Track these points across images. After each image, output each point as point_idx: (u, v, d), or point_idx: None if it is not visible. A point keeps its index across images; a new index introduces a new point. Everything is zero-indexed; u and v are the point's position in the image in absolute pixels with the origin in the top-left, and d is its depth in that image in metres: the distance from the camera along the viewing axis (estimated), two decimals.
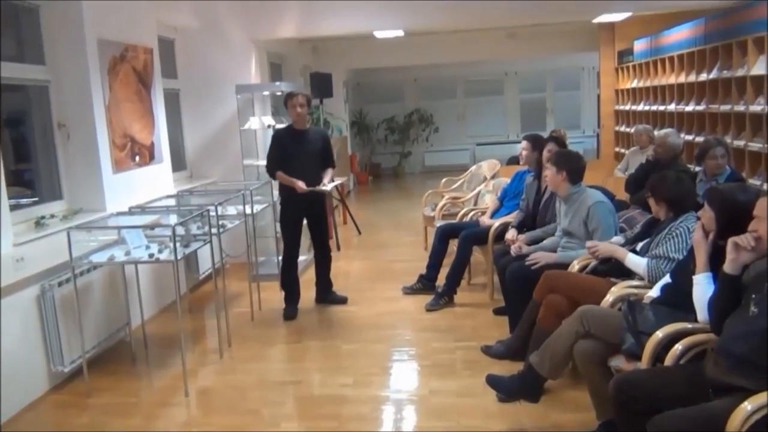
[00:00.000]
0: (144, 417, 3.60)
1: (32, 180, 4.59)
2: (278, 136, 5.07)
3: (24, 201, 4.34)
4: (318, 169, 5.05)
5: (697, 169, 4.93)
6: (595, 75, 12.28)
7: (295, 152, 4.96)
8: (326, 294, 5.36)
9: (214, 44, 6.68)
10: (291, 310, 5.12)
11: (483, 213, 5.64)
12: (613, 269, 3.54)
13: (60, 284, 3.95)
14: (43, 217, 4.24)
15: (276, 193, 5.60)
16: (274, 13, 6.75)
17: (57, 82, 4.51)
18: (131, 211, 4.65)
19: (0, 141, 3.98)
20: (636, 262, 3.37)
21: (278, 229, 5.59)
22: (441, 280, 5.30)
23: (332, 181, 5.14)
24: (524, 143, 5.19)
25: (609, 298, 3.20)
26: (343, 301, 5.32)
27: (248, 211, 5.17)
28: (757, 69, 5.55)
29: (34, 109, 4.54)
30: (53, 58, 4.48)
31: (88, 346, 4.05)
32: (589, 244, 3.67)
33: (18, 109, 4.52)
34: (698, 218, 2.87)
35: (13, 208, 3.99)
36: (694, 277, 2.69)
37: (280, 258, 5.29)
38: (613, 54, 10.23)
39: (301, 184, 4.87)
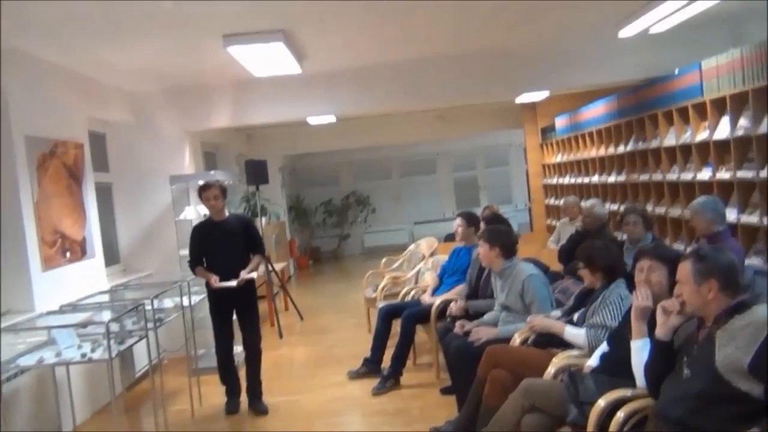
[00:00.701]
0: None
1: None
2: (196, 230, 4.93)
3: None
4: (241, 259, 4.84)
5: (624, 237, 5.13)
6: (522, 151, 12.80)
7: (215, 244, 4.81)
8: (253, 401, 4.89)
9: (147, 136, 6.66)
10: (232, 404, 4.92)
11: (424, 291, 5.68)
12: (553, 340, 3.59)
13: None
14: None
15: None
16: (206, 105, 6.82)
17: None
18: (62, 310, 4.47)
19: None
20: (574, 333, 3.44)
21: None
22: (386, 361, 5.25)
23: (253, 270, 4.88)
24: (459, 220, 5.33)
25: (551, 369, 3.24)
26: (262, 413, 4.81)
27: (186, 303, 5.05)
28: (669, 140, 5.91)
29: None
30: None
31: None
32: (528, 320, 3.74)
33: None
34: (631, 284, 2.98)
35: None
36: (631, 342, 2.76)
37: None
38: (537, 131, 10.71)
39: (213, 280, 4.73)
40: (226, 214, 4.97)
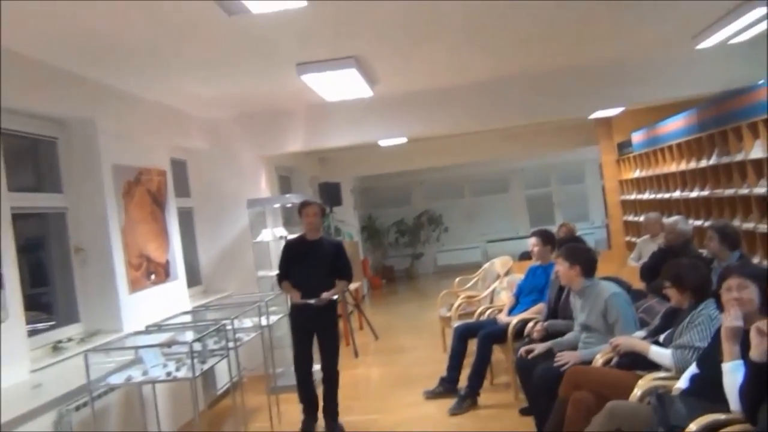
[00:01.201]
0: None
1: (49, 303, 4.61)
2: (288, 246, 5.02)
3: (41, 326, 4.35)
4: (326, 280, 4.82)
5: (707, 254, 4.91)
6: (597, 167, 12.49)
7: (304, 262, 4.85)
8: (329, 423, 4.85)
9: (225, 162, 6.88)
10: (309, 423, 4.89)
11: (500, 310, 5.58)
12: (638, 362, 3.45)
13: (77, 408, 3.87)
14: (60, 341, 4.23)
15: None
16: (280, 130, 6.99)
17: (74, 208, 4.63)
18: (148, 330, 4.63)
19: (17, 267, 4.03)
20: (660, 353, 3.30)
21: None
22: (463, 381, 5.17)
23: (336, 294, 4.87)
24: (534, 239, 5.23)
25: (637, 391, 3.11)
26: None
27: (264, 322, 5.15)
28: (756, 153, 5.64)
29: (51, 234, 4.63)
30: (70, 186, 4.62)
31: None
32: (611, 340, 3.61)
33: (36, 235, 4.62)
34: (720, 304, 2.84)
35: (31, 333, 4.00)
36: (723, 365, 2.63)
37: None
38: (613, 147, 10.44)
39: (295, 295, 4.77)
40: (321, 234, 5.01)
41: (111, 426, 4.16)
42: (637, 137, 9.31)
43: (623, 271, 5.94)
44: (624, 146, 10.01)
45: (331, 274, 4.90)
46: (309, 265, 4.84)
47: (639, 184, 9.39)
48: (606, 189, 10.83)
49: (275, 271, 5.71)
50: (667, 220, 5.50)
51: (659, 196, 8.41)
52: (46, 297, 4.64)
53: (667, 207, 8.09)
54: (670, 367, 3.21)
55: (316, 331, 4.91)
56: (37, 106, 4.17)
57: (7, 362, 3.51)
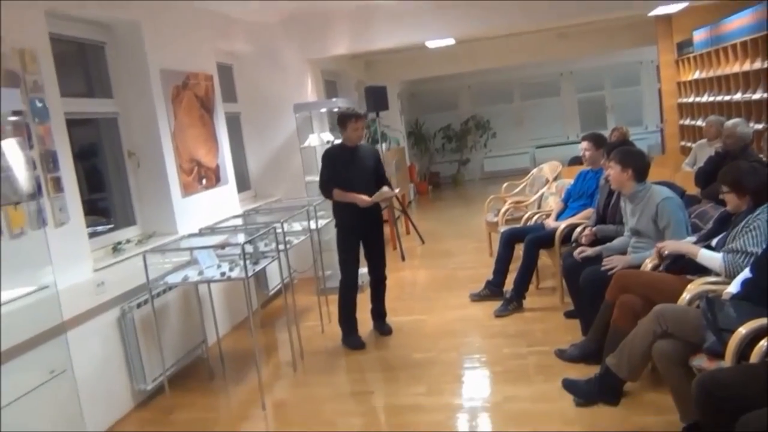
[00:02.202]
0: (224, 431, 3.68)
1: (107, 208, 4.77)
2: (332, 155, 4.81)
3: (101, 228, 4.53)
4: (372, 186, 4.79)
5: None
6: (654, 68, 11.95)
7: (350, 170, 4.75)
8: (379, 322, 5.04)
9: (271, 67, 6.83)
10: (356, 339, 4.81)
11: (547, 216, 5.54)
12: (687, 266, 3.41)
13: (138, 306, 4.09)
14: (119, 243, 4.41)
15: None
16: (326, 33, 6.86)
17: (125, 114, 4.70)
18: (201, 233, 4.78)
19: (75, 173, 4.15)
20: (710, 256, 3.25)
21: None
22: (508, 285, 5.23)
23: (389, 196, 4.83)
24: (585, 143, 5.09)
25: (686, 295, 3.09)
26: (386, 332, 4.96)
27: (312, 226, 5.24)
28: None
29: (104, 140, 4.73)
30: (120, 91, 4.67)
31: (168, 364, 4.17)
32: (657, 244, 3.55)
33: (90, 141, 4.72)
34: None
35: (92, 235, 4.17)
36: None
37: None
38: (672, 46, 9.92)
39: (364, 197, 4.69)
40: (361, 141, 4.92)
41: (171, 323, 4.39)
42: (699, 36, 8.80)
43: (677, 176, 5.79)
44: (684, 46, 9.50)
45: (375, 178, 4.86)
46: (357, 172, 4.76)
47: (698, 86, 8.97)
48: (662, 91, 10.39)
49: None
50: (727, 123, 5.27)
51: (719, 98, 8.03)
52: (104, 202, 4.80)
53: (726, 110, 7.74)
54: (720, 271, 3.17)
55: (365, 237, 4.88)
56: (84, 10, 4.16)
57: (72, 262, 3.68)
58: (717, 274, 3.21)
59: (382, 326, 5.03)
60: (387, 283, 5.03)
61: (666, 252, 3.47)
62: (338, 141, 5.15)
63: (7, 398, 2.74)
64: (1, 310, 2.81)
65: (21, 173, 3.22)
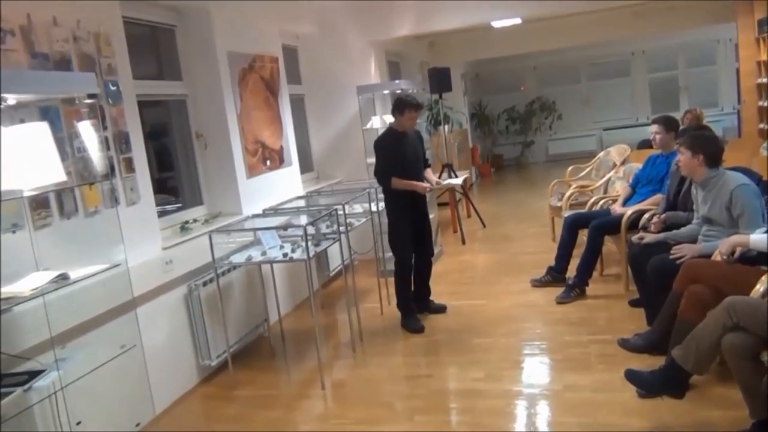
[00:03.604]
0: (284, 409, 3.77)
1: (175, 187, 4.93)
2: (387, 142, 4.79)
3: (170, 207, 4.68)
4: (422, 171, 4.91)
5: None
6: (732, 47, 11.41)
7: (404, 156, 4.76)
8: (424, 302, 5.07)
9: (334, 48, 6.86)
10: (418, 323, 4.82)
11: (614, 201, 5.40)
12: (762, 257, 3.27)
13: (204, 284, 4.22)
14: (186, 222, 4.55)
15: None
16: (389, 14, 6.83)
17: (193, 96, 4.82)
18: (265, 214, 4.88)
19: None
20: (762, 239, 3.11)
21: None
22: (571, 271, 5.14)
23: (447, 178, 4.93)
24: (655, 126, 4.91)
25: (759, 287, 2.97)
26: (441, 309, 5.06)
27: (373, 208, 5.27)
28: None
29: (174, 121, 4.88)
30: (189, 73, 4.79)
31: (231, 341, 4.30)
32: (713, 255, 3.42)
33: (160, 122, 4.87)
34: None
35: (161, 214, 4.31)
36: None
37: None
38: (753, 23, 9.43)
39: (424, 185, 4.78)
40: None
41: (234, 301, 4.51)
42: None
43: (754, 161, 5.54)
44: (766, 23, 9.02)
45: (423, 164, 4.96)
46: (410, 158, 4.80)
47: None
48: (741, 71, 9.91)
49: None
50: None
51: None
52: (172, 181, 4.95)
53: None
54: None
55: (416, 221, 4.89)
56: None
57: (142, 240, 3.82)
58: None
59: (431, 305, 5.07)
60: (447, 263, 5.04)
61: (724, 257, 3.34)
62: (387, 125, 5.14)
63: (79, 372, 2.88)
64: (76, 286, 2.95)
65: (95, 154, 3.36)
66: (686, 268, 3.49)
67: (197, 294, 4.16)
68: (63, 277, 2.84)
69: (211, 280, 4.22)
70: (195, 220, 4.64)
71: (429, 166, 5.09)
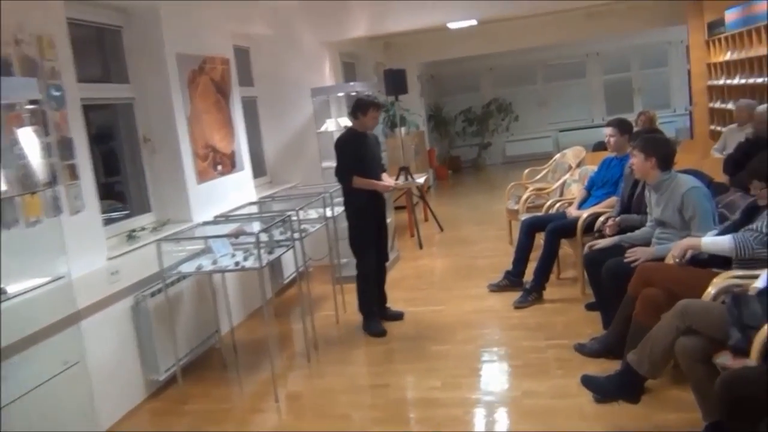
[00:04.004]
0: (237, 423, 3.72)
1: (122, 192, 4.82)
2: (348, 142, 4.82)
3: (116, 215, 4.58)
4: (381, 174, 4.97)
5: None
6: (684, 49, 11.73)
7: (366, 157, 4.82)
8: (381, 309, 5.05)
9: (288, 49, 6.82)
10: (380, 326, 4.87)
11: (570, 204, 5.50)
12: (713, 259, 3.37)
13: (152, 294, 4.13)
14: (134, 230, 4.45)
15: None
16: (344, 14, 6.83)
17: (141, 99, 4.72)
18: (216, 221, 4.82)
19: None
20: (715, 241, 3.24)
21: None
22: (528, 275, 5.21)
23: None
24: (609, 129, 5.03)
25: (711, 290, 3.06)
26: (399, 316, 5.05)
27: (329, 213, 5.25)
28: None
29: (121, 125, 4.77)
30: (136, 76, 4.69)
31: (181, 354, 4.22)
32: (667, 258, 3.53)
33: (106, 124, 4.77)
34: None
35: (107, 222, 4.22)
36: None
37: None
38: (703, 26, 9.73)
39: (386, 183, 4.84)
40: None
41: (184, 312, 4.43)
42: (731, 15, 8.62)
43: (705, 162, 5.71)
44: (715, 26, 9.31)
45: (381, 165, 5.04)
46: (371, 158, 4.88)
47: (729, 67, 8.79)
48: (692, 73, 10.21)
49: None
50: (759, 108, 5.19)
51: (751, 81, 7.88)
52: (119, 186, 4.85)
53: (759, 93, 7.59)
54: (731, 252, 3.16)
55: (377, 223, 4.97)
56: None
57: (86, 250, 3.73)
58: (738, 265, 3.17)
59: (389, 312, 5.06)
60: (403, 269, 5.09)
61: (677, 260, 3.44)
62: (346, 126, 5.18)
63: (19, 390, 2.79)
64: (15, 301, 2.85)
65: (37, 161, 3.26)
66: (640, 272, 3.57)
67: (145, 305, 4.07)
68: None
69: (159, 291, 4.13)
70: (143, 228, 4.54)
71: (384, 170, 5.12)
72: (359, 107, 4.77)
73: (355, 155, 4.77)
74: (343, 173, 4.80)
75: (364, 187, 4.77)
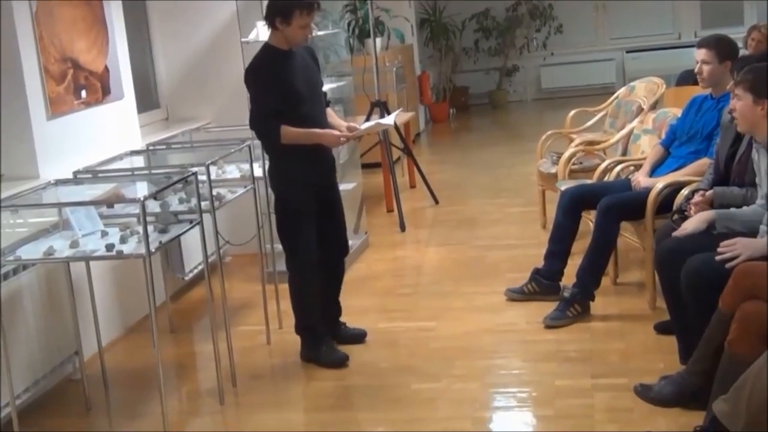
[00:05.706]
0: None
1: None
2: (267, 70, 4.64)
3: None
4: (325, 112, 4.90)
5: None
6: None
7: (296, 90, 4.65)
8: (332, 327, 5.06)
9: None
10: (337, 354, 4.85)
11: (637, 167, 5.56)
12: None
13: None
14: None
15: None
16: None
17: None
18: (77, 179, 4.78)
19: None
20: None
21: None
22: (569, 277, 5.27)
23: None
24: (702, 52, 5.07)
25: None
26: (359, 338, 5.12)
27: (258, 172, 5.23)
28: None
29: None
30: None
31: (18, 390, 4.21)
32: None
33: None
34: None
35: None
36: None
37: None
38: None
39: (335, 133, 4.71)
40: None
41: (25, 323, 4.41)
42: None
43: None
44: None
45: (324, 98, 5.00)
46: (308, 92, 4.72)
47: None
48: None
49: None
50: None
51: None
52: None
53: None
54: None
55: (321, 197, 4.87)
56: None
57: None
58: None
59: (343, 331, 5.09)
60: (377, 263, 5.07)
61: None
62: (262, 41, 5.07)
63: None
64: None
65: None
66: (740, 277, 3.62)
67: None
68: None
69: None
70: None
71: (329, 104, 5.06)
72: (279, 10, 4.54)
73: (277, 91, 4.61)
74: (261, 123, 4.66)
75: (297, 141, 4.63)
